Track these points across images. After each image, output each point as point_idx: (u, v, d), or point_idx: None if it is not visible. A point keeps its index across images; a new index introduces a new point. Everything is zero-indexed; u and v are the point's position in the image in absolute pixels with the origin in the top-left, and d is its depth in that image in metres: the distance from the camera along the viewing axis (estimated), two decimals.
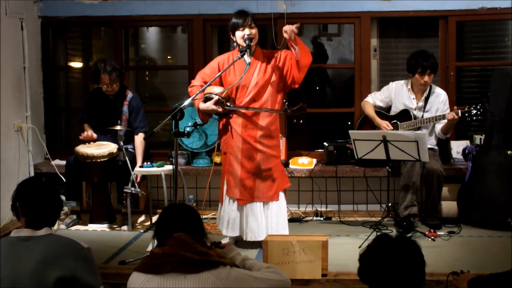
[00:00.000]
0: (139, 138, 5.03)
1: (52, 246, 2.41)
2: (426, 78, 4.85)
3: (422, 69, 4.82)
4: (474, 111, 4.69)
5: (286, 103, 4.28)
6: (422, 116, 4.95)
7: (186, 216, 2.38)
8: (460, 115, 4.71)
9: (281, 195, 4.33)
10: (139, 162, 4.96)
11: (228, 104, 4.22)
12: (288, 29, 4.02)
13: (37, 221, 2.48)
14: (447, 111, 4.92)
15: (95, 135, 5.06)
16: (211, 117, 4.45)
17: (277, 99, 4.30)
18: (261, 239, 4.18)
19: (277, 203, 4.28)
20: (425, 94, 4.97)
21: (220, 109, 4.22)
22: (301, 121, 4.33)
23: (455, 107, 4.80)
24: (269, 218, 4.27)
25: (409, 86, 5.02)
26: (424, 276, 2.09)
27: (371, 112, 5.14)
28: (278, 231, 4.22)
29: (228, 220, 4.32)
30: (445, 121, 4.80)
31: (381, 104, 5.18)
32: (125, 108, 5.05)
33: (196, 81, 4.34)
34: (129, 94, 5.09)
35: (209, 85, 4.17)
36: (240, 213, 4.30)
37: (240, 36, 4.17)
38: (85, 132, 5.06)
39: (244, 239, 4.30)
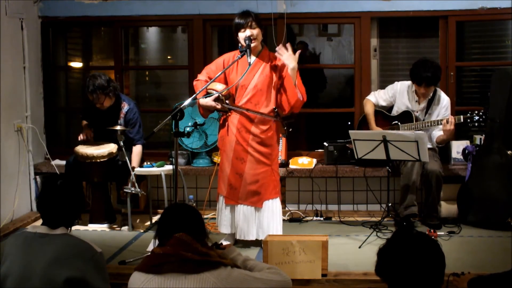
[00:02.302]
0: (136, 149, 4.97)
1: (65, 247, 2.42)
2: (423, 90, 4.85)
3: (418, 81, 4.83)
4: (477, 117, 4.68)
5: (276, 110, 4.27)
6: (424, 119, 4.94)
7: (188, 216, 2.39)
8: (462, 120, 4.70)
9: (274, 201, 4.28)
10: (133, 164, 4.91)
11: (227, 102, 4.22)
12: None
13: (52, 220, 2.50)
14: (447, 117, 4.91)
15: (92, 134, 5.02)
16: (212, 112, 4.45)
17: (274, 107, 4.28)
18: (250, 239, 4.24)
19: (268, 207, 4.26)
20: (428, 97, 4.97)
21: (218, 106, 4.22)
22: (290, 129, 4.35)
23: (453, 116, 4.77)
24: (261, 219, 4.27)
25: (413, 89, 5.01)
26: (443, 274, 2.05)
27: (369, 113, 5.12)
28: (269, 233, 4.19)
29: (221, 216, 4.35)
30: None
31: (384, 103, 5.17)
32: (121, 121, 4.95)
33: (202, 76, 4.35)
34: (125, 107, 4.95)
35: (211, 83, 4.18)
36: (232, 211, 4.31)
37: (242, 37, 4.18)
38: (82, 134, 5.02)
39: (235, 237, 4.33)
